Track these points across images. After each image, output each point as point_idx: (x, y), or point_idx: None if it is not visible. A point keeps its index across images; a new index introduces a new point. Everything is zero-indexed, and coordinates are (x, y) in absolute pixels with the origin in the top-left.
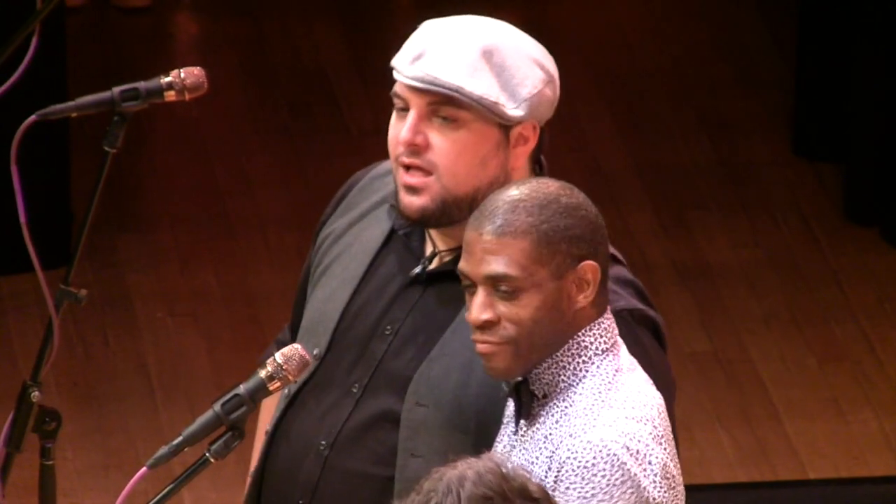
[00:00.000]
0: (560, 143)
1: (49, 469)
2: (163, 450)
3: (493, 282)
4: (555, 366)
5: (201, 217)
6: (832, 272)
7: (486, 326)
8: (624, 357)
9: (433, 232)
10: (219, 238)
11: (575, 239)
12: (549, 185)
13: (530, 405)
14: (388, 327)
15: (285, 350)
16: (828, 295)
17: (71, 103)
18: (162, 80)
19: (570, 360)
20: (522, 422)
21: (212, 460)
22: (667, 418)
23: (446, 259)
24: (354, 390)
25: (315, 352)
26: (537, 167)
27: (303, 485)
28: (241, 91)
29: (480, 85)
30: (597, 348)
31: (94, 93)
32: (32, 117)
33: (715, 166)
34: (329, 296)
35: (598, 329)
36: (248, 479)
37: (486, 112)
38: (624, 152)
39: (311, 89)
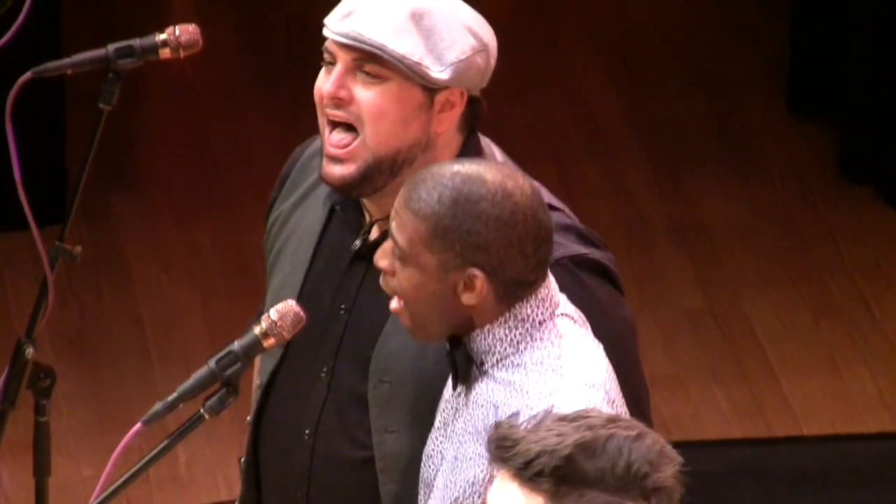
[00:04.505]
0: (555, 98)
1: (44, 426)
2: (157, 406)
3: (392, 241)
4: (490, 336)
5: (196, 174)
6: (827, 229)
7: (385, 273)
8: (566, 321)
9: (366, 202)
10: (213, 195)
11: (473, 246)
12: (490, 183)
13: (467, 369)
14: (343, 307)
15: (280, 306)
16: (823, 252)
17: (66, 60)
18: (157, 38)
19: (506, 332)
20: (461, 386)
21: (206, 417)
22: (614, 378)
23: (385, 228)
24: (323, 375)
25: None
26: (468, 136)
27: (297, 476)
28: (237, 48)
29: (404, 45)
30: (534, 320)
31: (89, 50)
32: (27, 74)
33: (710, 122)
34: (283, 283)
35: (533, 301)
36: (242, 468)
37: (408, 72)
38: (619, 108)
39: (306, 47)
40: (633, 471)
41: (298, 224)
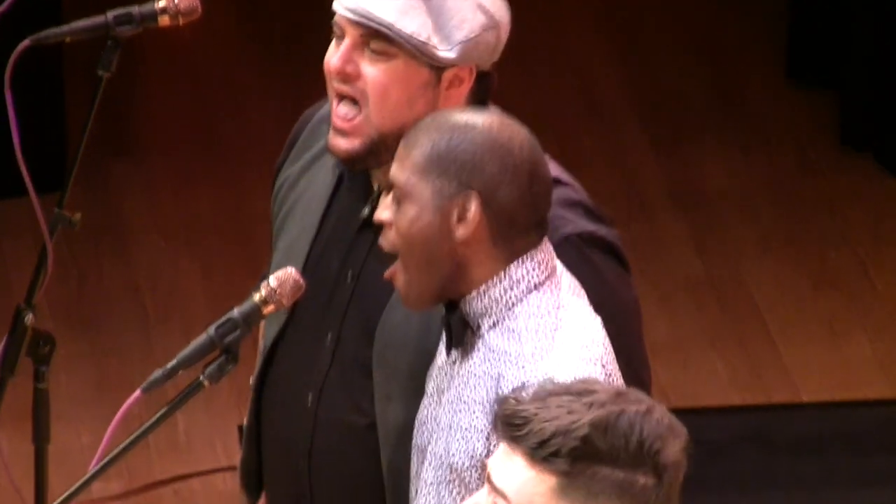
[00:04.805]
0: (554, 67)
1: (43, 393)
2: (157, 374)
3: (391, 186)
4: (485, 297)
5: (195, 142)
6: (826, 197)
7: (384, 228)
8: (564, 291)
9: (375, 171)
10: (213, 163)
11: (468, 167)
12: (486, 119)
13: (461, 334)
14: (349, 274)
15: (279, 273)
16: (822, 219)
17: (65, 27)
18: (156, 5)
19: (501, 293)
20: (455, 352)
21: (205, 384)
22: (611, 351)
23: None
24: (328, 341)
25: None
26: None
27: (299, 441)
28: (236, 16)
29: (412, 24)
30: (529, 282)
31: (87, 17)
32: (26, 42)
33: (709, 91)
34: (290, 246)
35: (530, 263)
36: (244, 435)
37: (415, 51)
38: (618, 77)
39: (307, 14)
40: (646, 447)
41: (307, 189)
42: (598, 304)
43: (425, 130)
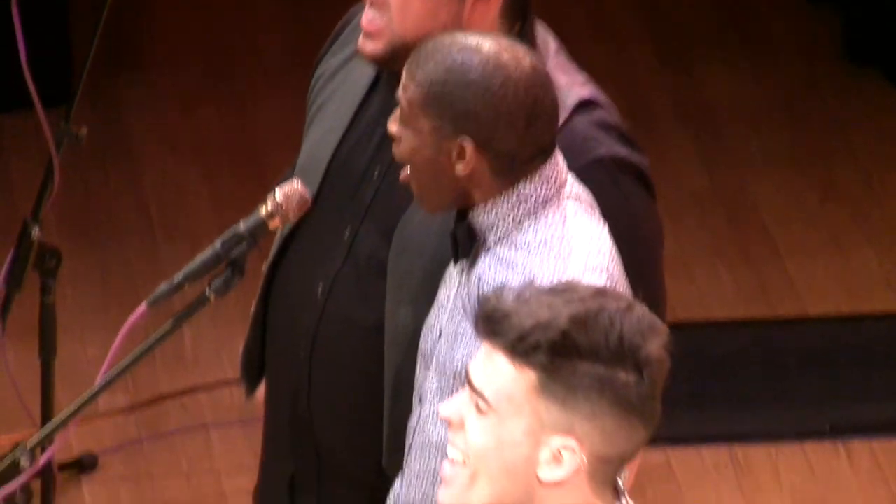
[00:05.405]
0: None
1: (49, 306)
2: (162, 287)
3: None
4: (493, 211)
5: (202, 55)
6: (833, 111)
7: (395, 139)
8: (573, 203)
9: None
10: (220, 76)
11: (462, 115)
12: (484, 54)
13: (469, 244)
14: (376, 171)
15: (285, 187)
16: (828, 133)
17: None
18: None
19: (509, 208)
20: (463, 262)
21: (211, 298)
22: (618, 263)
23: None
24: (346, 235)
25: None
26: (521, 25)
27: (303, 334)
28: None
29: None
30: (538, 199)
31: None
32: None
33: (716, 6)
34: (321, 138)
35: (538, 180)
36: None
37: None
38: None
39: None
40: (626, 343)
41: (344, 82)
42: (623, 231)
43: (424, 60)
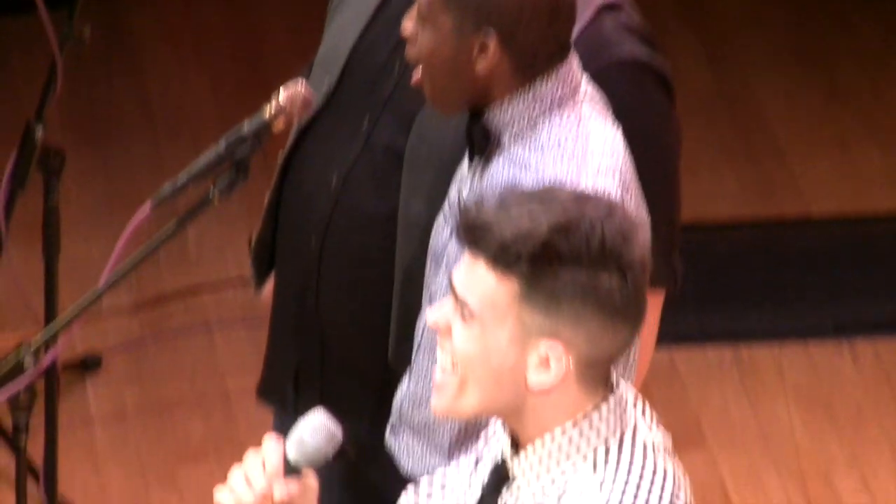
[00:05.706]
0: None
1: (53, 207)
2: (166, 188)
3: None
4: (509, 109)
5: None
6: (838, 10)
7: (409, 40)
8: (587, 104)
9: None
10: None
11: (486, 8)
12: None
13: (484, 142)
14: (397, 64)
15: (289, 89)
16: (832, 32)
17: None
18: None
19: (524, 107)
20: (476, 160)
21: (216, 200)
22: (631, 166)
23: None
24: (364, 125)
25: (327, 82)
26: None
27: (316, 221)
28: None
29: None
30: (553, 99)
31: None
32: None
33: None
34: (342, 28)
35: (553, 79)
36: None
37: None
38: None
39: None
40: (608, 247)
41: None
42: (642, 134)
43: None
